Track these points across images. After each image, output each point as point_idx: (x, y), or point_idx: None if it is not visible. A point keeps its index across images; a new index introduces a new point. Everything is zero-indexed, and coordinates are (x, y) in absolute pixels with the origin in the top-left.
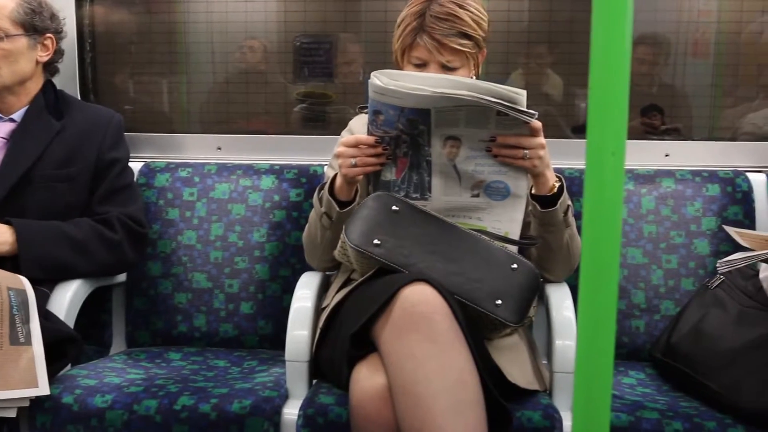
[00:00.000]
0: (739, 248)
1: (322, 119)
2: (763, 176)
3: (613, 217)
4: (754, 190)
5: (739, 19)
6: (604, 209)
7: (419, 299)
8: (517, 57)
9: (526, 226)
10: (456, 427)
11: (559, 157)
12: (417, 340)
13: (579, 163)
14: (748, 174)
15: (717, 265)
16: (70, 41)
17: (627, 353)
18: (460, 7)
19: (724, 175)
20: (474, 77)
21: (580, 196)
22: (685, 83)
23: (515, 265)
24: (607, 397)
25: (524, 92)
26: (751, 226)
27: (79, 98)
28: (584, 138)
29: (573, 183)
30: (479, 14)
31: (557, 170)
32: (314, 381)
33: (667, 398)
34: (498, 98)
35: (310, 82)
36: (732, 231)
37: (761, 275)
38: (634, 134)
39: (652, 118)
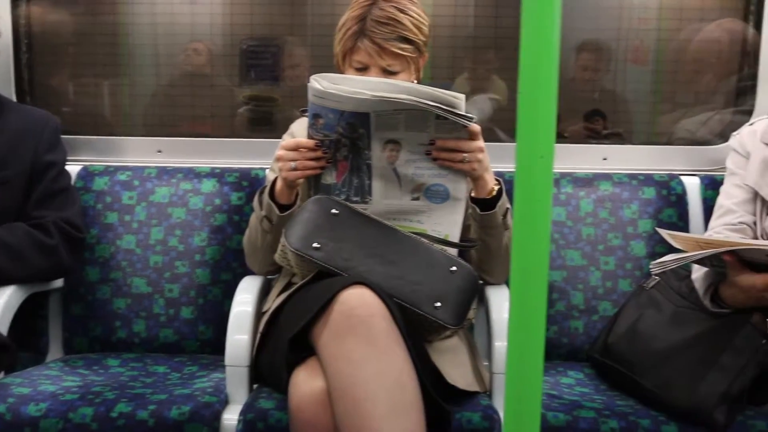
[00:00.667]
0: (673, 250)
1: (267, 122)
2: (696, 179)
3: (543, 218)
4: (687, 193)
5: (677, 27)
6: (533, 211)
7: (357, 302)
8: (462, 62)
9: (466, 228)
10: (394, 429)
11: (500, 160)
12: (355, 343)
13: None
14: (682, 177)
15: (650, 266)
16: (5, 42)
17: (566, 353)
18: (401, 11)
19: (660, 178)
20: (415, 81)
21: None
22: (625, 89)
23: (454, 268)
24: (537, 398)
25: (463, 96)
26: (685, 228)
27: (14, 100)
28: None
29: (513, 186)
30: (420, 19)
31: (497, 173)
32: (255, 386)
33: (604, 397)
34: (437, 102)
35: (257, 85)
36: (665, 233)
37: (693, 276)
38: (574, 139)
39: (595, 123)
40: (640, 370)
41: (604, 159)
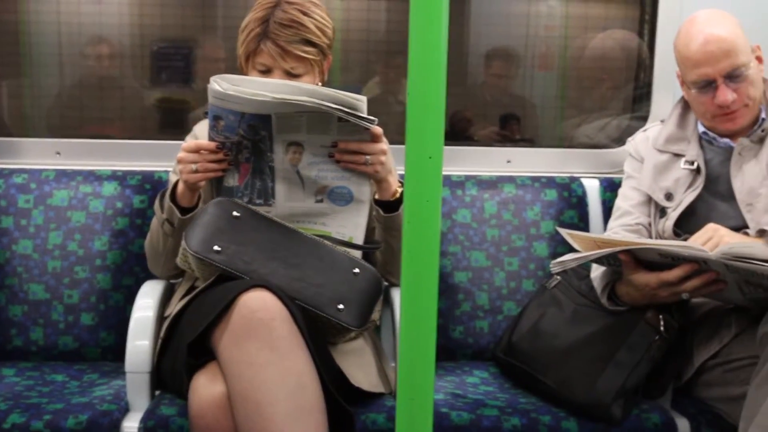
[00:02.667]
0: (573, 250)
1: (179, 125)
2: (596, 181)
3: (432, 218)
4: (587, 194)
5: (581, 36)
6: (423, 211)
7: (258, 305)
8: (374, 66)
9: (371, 231)
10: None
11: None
12: (256, 347)
13: None
14: (582, 180)
15: (550, 265)
16: None
17: (472, 353)
18: (304, 14)
19: (561, 180)
20: (320, 84)
21: None
22: (533, 95)
23: (357, 270)
24: (429, 398)
25: (365, 98)
26: (585, 228)
27: None
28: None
29: None
30: (324, 22)
31: (402, 176)
32: (157, 392)
33: (507, 395)
34: (339, 104)
35: (168, 87)
36: (564, 233)
37: (592, 275)
38: (479, 142)
39: (510, 128)
40: (541, 368)
41: (508, 162)
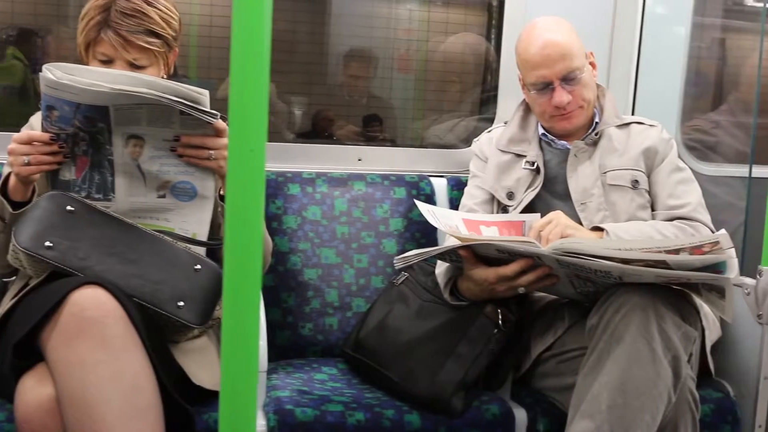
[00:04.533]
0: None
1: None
2: (444, 180)
3: (254, 211)
4: (436, 192)
5: (437, 39)
6: (245, 203)
7: (90, 303)
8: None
9: (217, 227)
10: None
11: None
12: (87, 346)
13: (281, 166)
14: (431, 178)
15: (394, 261)
16: None
17: (321, 350)
18: (148, 3)
19: (411, 179)
20: (165, 77)
21: (276, 198)
22: (391, 96)
23: (199, 266)
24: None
25: (207, 92)
26: (433, 227)
27: None
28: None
29: (269, 185)
30: (169, 13)
31: None
32: None
33: (354, 391)
34: (180, 97)
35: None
36: (423, 208)
37: (436, 271)
38: (330, 140)
39: (373, 128)
40: (386, 363)
41: (359, 160)
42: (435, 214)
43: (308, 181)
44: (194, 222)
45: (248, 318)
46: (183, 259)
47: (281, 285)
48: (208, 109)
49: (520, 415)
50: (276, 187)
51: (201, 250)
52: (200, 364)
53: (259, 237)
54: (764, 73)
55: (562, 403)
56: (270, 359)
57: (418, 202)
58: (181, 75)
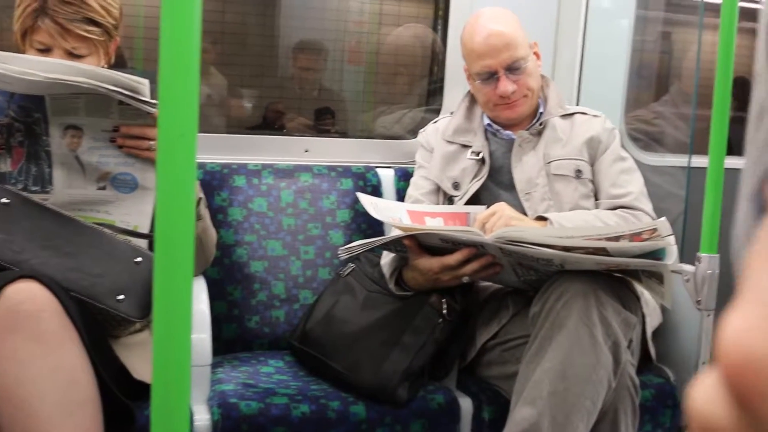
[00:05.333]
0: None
1: None
2: (391, 171)
3: (185, 198)
4: (383, 183)
5: (386, 31)
6: (175, 191)
7: (24, 297)
8: None
9: None
10: (64, 428)
11: (205, 151)
12: (21, 341)
13: (226, 158)
14: (378, 169)
15: (338, 251)
16: None
17: (268, 343)
18: None
19: (357, 170)
20: (105, 66)
21: (221, 189)
22: (342, 88)
23: (140, 259)
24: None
25: (147, 81)
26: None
27: None
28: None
29: (214, 177)
30: (109, 0)
31: (198, 164)
32: None
33: (300, 383)
34: (119, 87)
35: None
36: (365, 200)
37: (382, 261)
38: (277, 131)
39: (325, 120)
40: (332, 354)
41: (306, 151)
42: (378, 206)
43: (254, 173)
44: (136, 214)
45: (179, 310)
46: (123, 251)
47: (227, 278)
48: (147, 99)
49: (466, 403)
50: (221, 179)
51: (143, 243)
52: (142, 358)
53: (190, 225)
54: (703, 66)
55: (506, 390)
56: (216, 353)
57: (360, 195)
58: (129, 66)
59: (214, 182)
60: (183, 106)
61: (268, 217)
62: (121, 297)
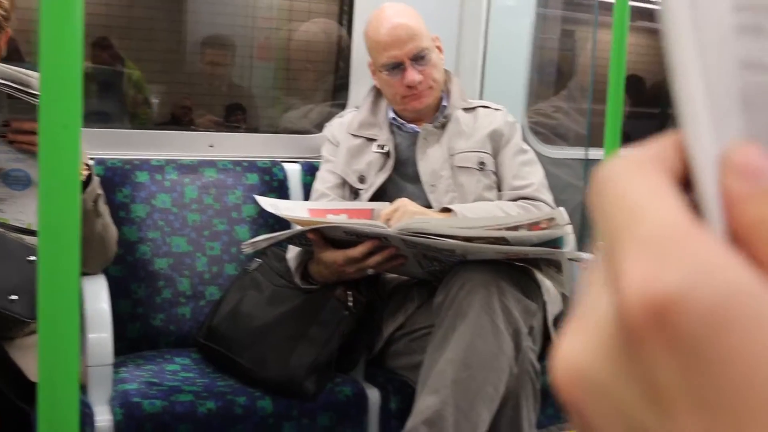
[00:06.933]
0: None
1: None
2: (297, 166)
3: (70, 192)
4: (289, 178)
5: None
6: (59, 185)
7: None
8: (92, 49)
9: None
10: None
11: (106, 146)
12: None
13: (127, 154)
14: (284, 164)
15: (242, 245)
16: None
17: (174, 341)
18: None
19: (263, 165)
20: None
21: (123, 186)
22: (252, 84)
23: (33, 258)
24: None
25: (37, 74)
26: None
27: None
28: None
29: (115, 173)
30: None
31: (98, 160)
32: None
33: (206, 380)
34: (7, 80)
35: None
36: (263, 201)
37: (288, 256)
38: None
39: (236, 117)
40: (238, 350)
41: (211, 146)
42: (278, 207)
43: (157, 169)
44: (30, 212)
45: (65, 308)
46: (15, 250)
47: (130, 276)
48: (38, 92)
49: (373, 395)
50: (123, 175)
51: (35, 241)
52: (38, 360)
53: (75, 221)
54: (599, 63)
55: (414, 380)
56: (119, 352)
57: (258, 198)
58: (26, 60)
59: (116, 178)
60: (66, 95)
61: (172, 214)
62: (14, 297)
